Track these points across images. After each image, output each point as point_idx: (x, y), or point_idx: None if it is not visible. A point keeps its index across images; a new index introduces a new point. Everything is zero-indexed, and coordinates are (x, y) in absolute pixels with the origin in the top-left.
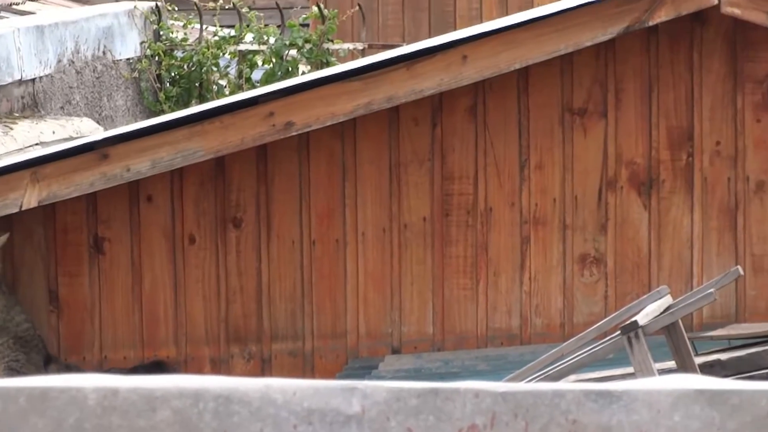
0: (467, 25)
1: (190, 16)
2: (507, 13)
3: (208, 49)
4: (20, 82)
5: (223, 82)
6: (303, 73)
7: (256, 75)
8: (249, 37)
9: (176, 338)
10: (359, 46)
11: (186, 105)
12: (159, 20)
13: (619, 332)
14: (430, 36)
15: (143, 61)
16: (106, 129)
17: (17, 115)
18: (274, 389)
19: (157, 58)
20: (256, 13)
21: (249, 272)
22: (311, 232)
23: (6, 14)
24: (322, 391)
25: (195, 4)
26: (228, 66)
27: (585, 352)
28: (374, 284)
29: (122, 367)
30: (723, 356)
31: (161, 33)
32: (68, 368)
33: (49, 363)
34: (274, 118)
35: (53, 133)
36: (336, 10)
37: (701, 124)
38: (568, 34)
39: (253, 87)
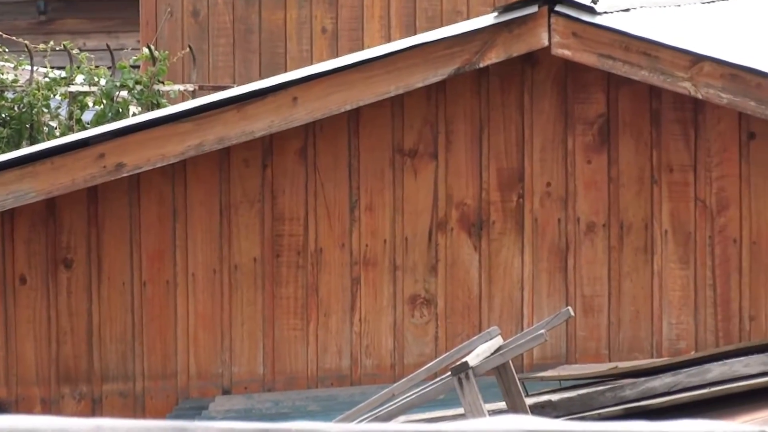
0: (298, 66)
1: (21, 57)
2: (337, 55)
3: (39, 91)
4: None
5: (53, 124)
6: (134, 114)
7: (87, 116)
8: (80, 78)
9: (7, 378)
10: (190, 87)
11: (17, 146)
12: None
13: (449, 373)
14: (260, 77)
15: None
16: None
17: None
18: (104, 429)
19: None
20: (87, 54)
21: (80, 313)
22: (142, 274)
23: None
24: (154, 431)
25: (26, 45)
26: (59, 107)
27: (415, 392)
28: (205, 325)
29: None
30: (554, 397)
31: None
32: None
33: None
34: (105, 160)
35: None
36: (167, 52)
37: (532, 165)
38: (398, 76)
39: (84, 128)
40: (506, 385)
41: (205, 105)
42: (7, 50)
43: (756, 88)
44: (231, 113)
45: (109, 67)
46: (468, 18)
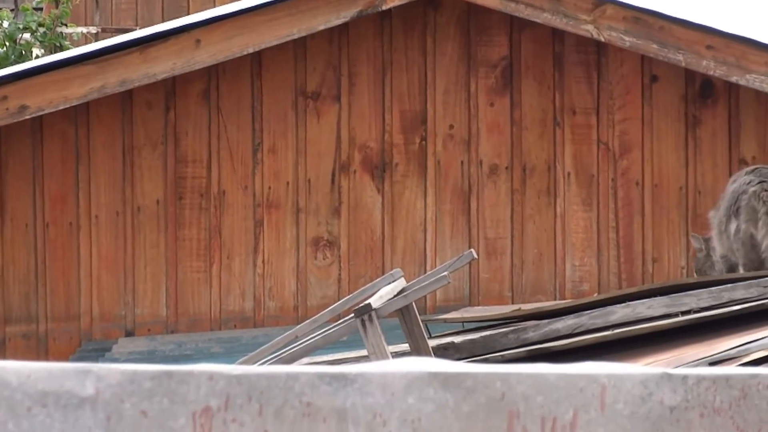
0: (200, 9)
1: None
2: None
3: None
4: None
5: None
6: (37, 56)
7: None
8: None
9: None
10: (92, 29)
11: None
12: None
13: (352, 315)
14: (163, 20)
15: None
16: None
17: None
18: (8, 371)
19: None
20: None
21: None
22: (45, 215)
23: None
24: (56, 374)
25: None
26: None
27: (319, 334)
28: (108, 267)
29: None
30: (457, 339)
31: None
32: None
33: None
34: (8, 102)
35: None
36: None
37: (435, 107)
38: (301, 19)
39: None
40: (409, 326)
41: (107, 48)
42: None
43: (659, 31)
44: (133, 56)
45: (11, 10)
46: None
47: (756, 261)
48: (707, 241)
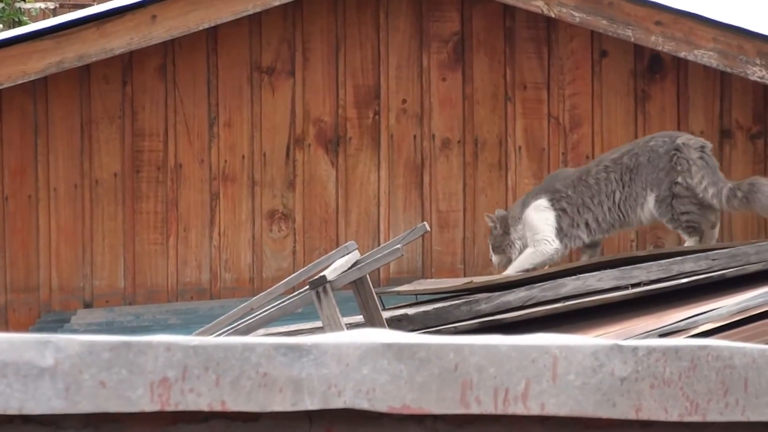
0: None
1: None
2: None
3: None
4: None
5: None
6: None
7: None
8: None
9: None
10: (50, 5)
11: None
12: None
13: (307, 287)
14: None
15: None
16: None
17: None
18: None
19: None
20: None
21: None
22: (4, 188)
23: None
24: (16, 345)
25: None
26: None
27: (274, 306)
28: (66, 239)
29: None
30: (410, 311)
31: None
32: None
33: None
34: None
35: None
36: None
37: (388, 82)
38: None
39: None
40: (363, 298)
41: (65, 23)
42: None
43: (608, 7)
44: (90, 31)
45: None
46: None
47: None
48: (502, 219)
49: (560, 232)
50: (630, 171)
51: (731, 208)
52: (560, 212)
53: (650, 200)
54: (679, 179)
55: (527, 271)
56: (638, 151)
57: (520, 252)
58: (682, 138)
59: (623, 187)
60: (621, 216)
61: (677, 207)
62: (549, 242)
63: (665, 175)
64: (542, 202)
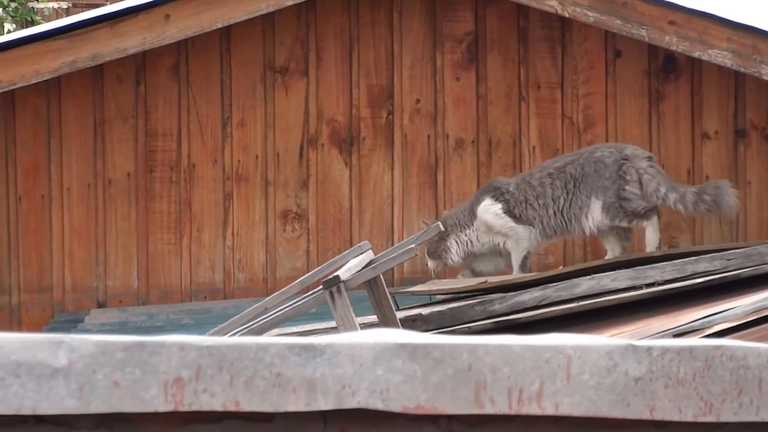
0: None
1: None
2: None
3: None
4: None
5: None
6: (9, 31)
7: None
8: None
9: None
10: (64, 4)
11: None
12: None
13: (321, 287)
14: None
15: None
16: None
17: None
18: None
19: None
20: None
21: None
22: (17, 188)
23: None
24: (30, 344)
25: None
26: None
27: (288, 306)
28: (80, 239)
29: None
30: (424, 311)
31: None
32: None
33: None
34: None
35: None
36: None
37: (401, 82)
38: None
39: None
40: (377, 298)
41: (78, 23)
42: None
43: (622, 7)
44: (104, 30)
45: None
46: None
47: None
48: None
49: (517, 219)
50: (575, 180)
51: (696, 212)
52: (505, 203)
53: (595, 208)
54: (627, 188)
55: (526, 259)
56: (583, 162)
57: (457, 254)
58: (629, 149)
59: (567, 194)
60: (564, 222)
61: (627, 207)
62: (514, 226)
63: (612, 183)
64: (487, 203)
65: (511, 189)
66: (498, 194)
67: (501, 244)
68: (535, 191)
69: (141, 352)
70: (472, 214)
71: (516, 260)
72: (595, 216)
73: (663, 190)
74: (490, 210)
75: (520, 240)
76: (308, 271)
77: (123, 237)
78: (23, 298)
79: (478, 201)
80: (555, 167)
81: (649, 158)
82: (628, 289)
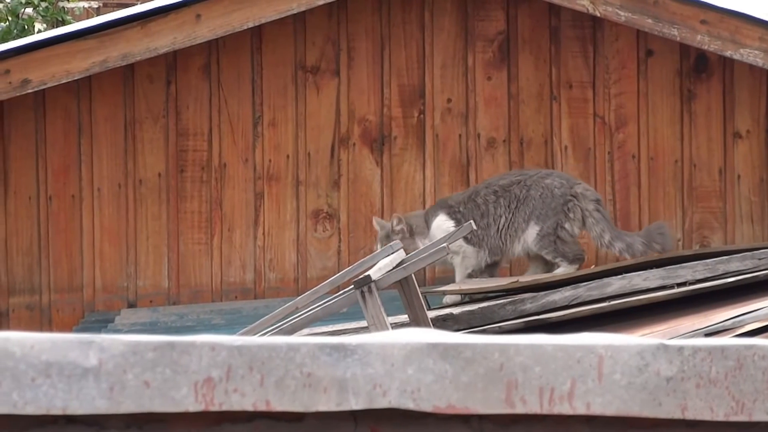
0: None
1: None
2: None
3: None
4: None
5: None
6: (39, 31)
7: None
8: None
9: None
10: (94, 4)
11: None
12: None
13: (352, 287)
14: None
15: None
16: None
17: None
18: (12, 342)
19: None
20: None
21: None
22: (48, 188)
23: None
24: (60, 345)
25: None
26: None
27: (319, 306)
28: (110, 239)
29: None
30: (455, 310)
31: None
32: None
33: None
34: (11, 76)
35: None
36: None
37: (433, 81)
38: None
39: None
40: (408, 298)
41: (109, 22)
42: None
43: (653, 6)
44: (135, 30)
45: None
46: None
47: None
48: (408, 225)
49: (467, 240)
50: (517, 201)
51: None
52: (456, 222)
53: (531, 232)
54: (567, 225)
55: (470, 276)
56: (531, 184)
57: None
58: (580, 187)
59: (509, 214)
60: (502, 244)
61: (560, 246)
62: (463, 245)
63: (554, 214)
64: (441, 218)
65: (461, 209)
66: (452, 212)
67: (449, 258)
68: (480, 210)
69: (171, 351)
70: (427, 226)
71: (459, 277)
72: (527, 240)
73: (607, 237)
74: (442, 227)
75: (465, 258)
76: (339, 271)
77: (154, 237)
78: (54, 298)
79: (433, 215)
80: (500, 185)
81: (597, 201)
82: (659, 288)
